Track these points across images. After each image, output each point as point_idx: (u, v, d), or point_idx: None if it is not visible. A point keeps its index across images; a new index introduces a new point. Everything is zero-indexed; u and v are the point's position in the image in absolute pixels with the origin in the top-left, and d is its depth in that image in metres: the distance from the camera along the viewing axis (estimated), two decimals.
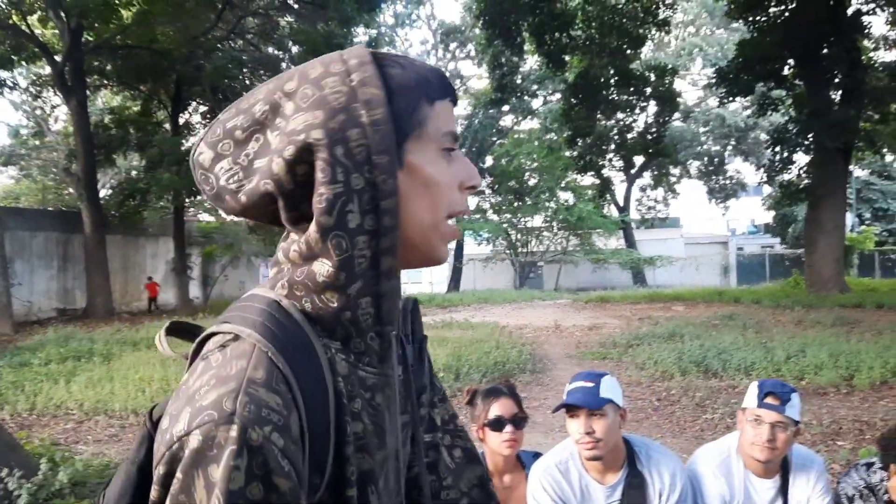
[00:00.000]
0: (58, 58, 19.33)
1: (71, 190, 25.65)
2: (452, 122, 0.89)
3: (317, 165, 0.78)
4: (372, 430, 0.84)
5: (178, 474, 0.70)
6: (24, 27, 18.86)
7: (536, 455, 2.73)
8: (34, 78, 22.92)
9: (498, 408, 2.55)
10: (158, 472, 0.73)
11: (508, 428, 2.52)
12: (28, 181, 31.07)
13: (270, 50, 22.57)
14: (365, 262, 0.81)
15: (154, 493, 0.73)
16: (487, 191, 36.38)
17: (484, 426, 2.56)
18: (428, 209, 0.86)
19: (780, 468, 2.55)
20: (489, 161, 35.79)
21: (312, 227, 0.80)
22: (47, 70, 21.33)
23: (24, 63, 20.19)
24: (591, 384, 2.43)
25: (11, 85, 21.65)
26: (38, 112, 26.72)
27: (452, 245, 28.34)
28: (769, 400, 2.43)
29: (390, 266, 0.82)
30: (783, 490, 2.52)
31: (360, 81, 0.81)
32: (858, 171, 33.01)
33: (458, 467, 1.11)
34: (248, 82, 21.13)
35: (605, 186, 33.57)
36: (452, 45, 36.54)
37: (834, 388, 7.57)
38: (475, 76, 37.28)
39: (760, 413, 2.44)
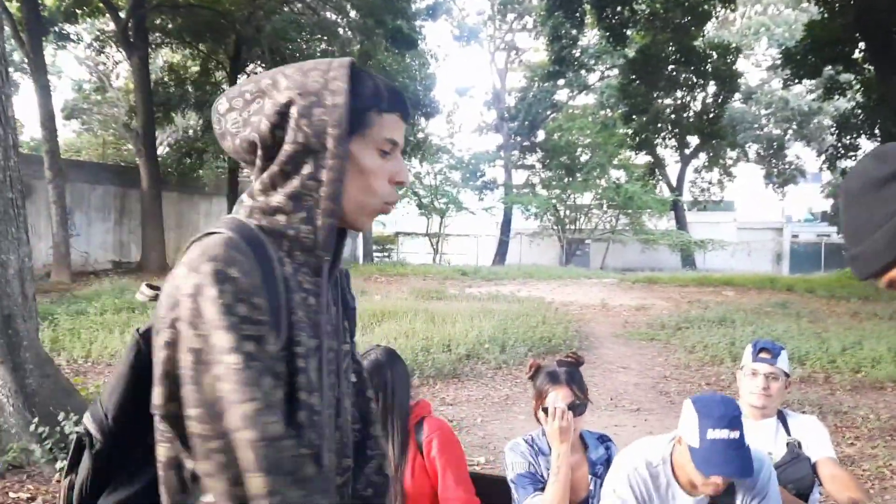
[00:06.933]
0: (121, 14, 19.58)
1: (130, 146, 26.10)
2: (395, 132, 1.16)
3: (288, 129, 1.09)
4: (307, 322, 1.11)
5: (186, 304, 0.98)
6: None
7: (602, 437, 2.67)
8: (98, 33, 23.12)
9: (555, 395, 2.50)
10: (162, 327, 1.00)
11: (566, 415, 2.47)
12: (89, 135, 31.75)
13: (329, 15, 22.52)
14: (310, 200, 1.11)
15: (160, 352, 1.00)
16: (538, 165, 35.93)
17: (543, 409, 2.51)
18: (360, 189, 1.15)
19: (777, 416, 2.80)
20: (541, 135, 35.30)
21: (275, 168, 1.11)
22: (111, 26, 21.60)
23: (88, 18, 20.49)
24: (734, 433, 2.07)
25: (76, 39, 22.05)
26: (101, 67, 27.19)
27: (499, 218, 28.06)
28: (762, 355, 2.75)
29: (329, 208, 1.11)
30: (783, 422, 2.77)
31: (332, 76, 1.11)
32: None
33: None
34: (304, 46, 21.14)
35: (656, 165, 32.82)
36: (510, 17, 36.04)
37: (892, 383, 7.34)
38: (531, 48, 36.76)
39: (756, 366, 2.75)
